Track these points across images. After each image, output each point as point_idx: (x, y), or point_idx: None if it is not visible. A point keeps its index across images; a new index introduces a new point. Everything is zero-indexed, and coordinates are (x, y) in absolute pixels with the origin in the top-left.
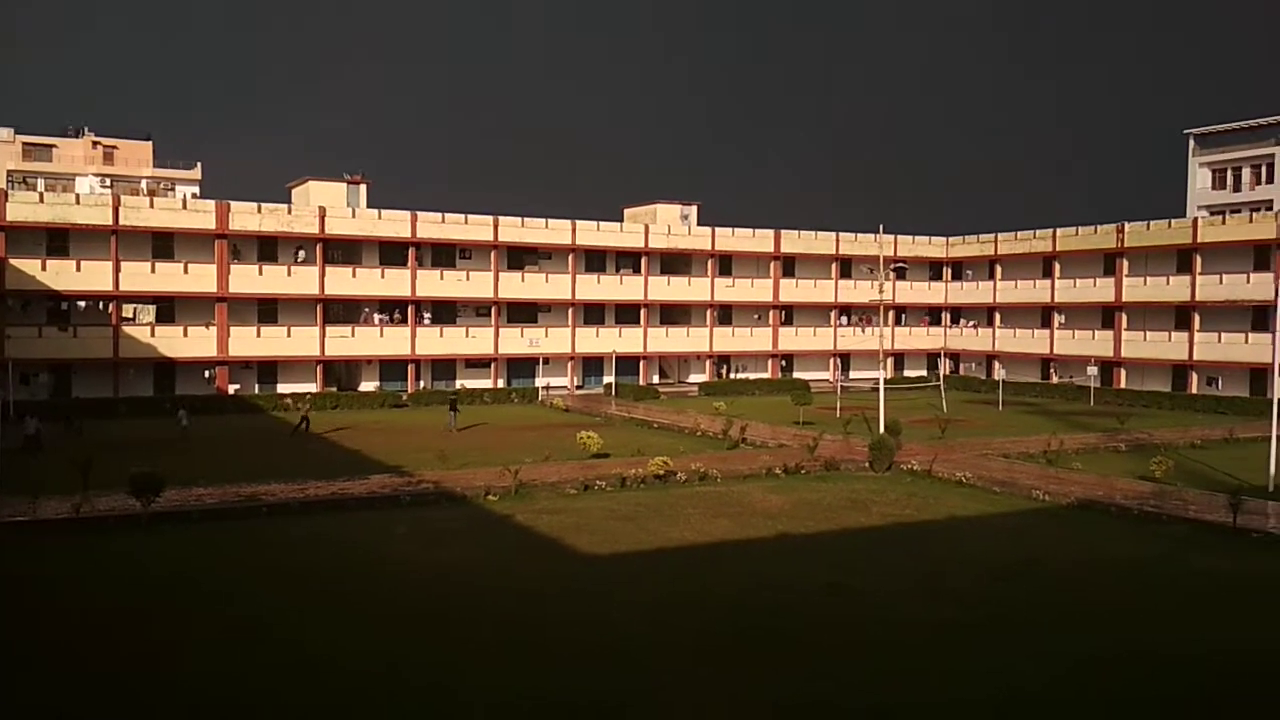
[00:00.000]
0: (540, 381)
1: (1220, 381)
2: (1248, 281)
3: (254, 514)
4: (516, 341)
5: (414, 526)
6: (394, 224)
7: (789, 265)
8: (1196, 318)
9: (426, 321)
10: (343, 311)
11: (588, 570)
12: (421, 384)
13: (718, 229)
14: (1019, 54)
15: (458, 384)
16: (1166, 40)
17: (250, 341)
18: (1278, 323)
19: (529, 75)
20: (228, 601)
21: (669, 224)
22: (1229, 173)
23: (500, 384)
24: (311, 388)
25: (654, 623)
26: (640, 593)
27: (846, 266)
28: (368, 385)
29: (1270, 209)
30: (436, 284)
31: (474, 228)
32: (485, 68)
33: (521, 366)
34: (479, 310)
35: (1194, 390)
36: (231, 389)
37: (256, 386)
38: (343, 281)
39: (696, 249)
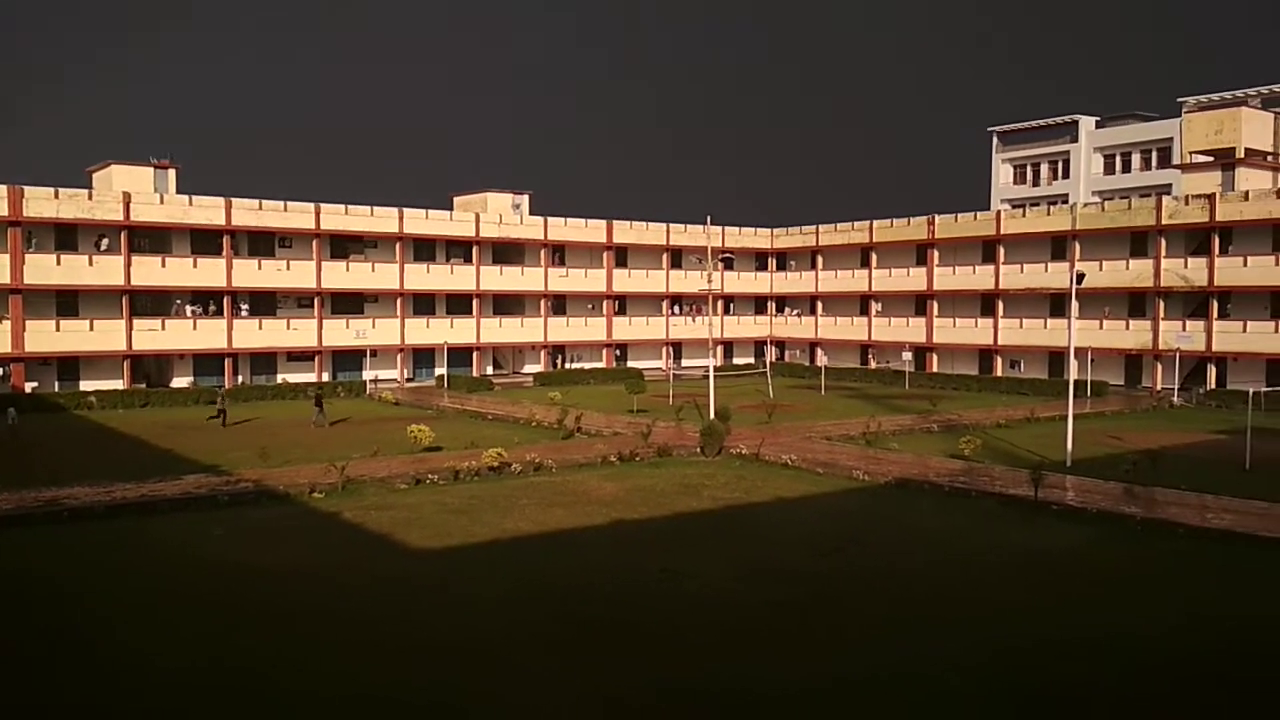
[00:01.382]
0: (368, 374)
1: (1022, 364)
2: (1046, 270)
3: (55, 519)
4: (342, 333)
5: (234, 527)
6: (206, 210)
7: (621, 255)
8: (1000, 305)
9: (244, 313)
10: (151, 303)
11: (422, 566)
12: (240, 379)
13: (550, 219)
14: (836, 50)
15: (279, 378)
16: (975, 39)
17: (49, 336)
18: (1072, 309)
19: (352, 59)
20: (31, 610)
21: (500, 213)
22: (1029, 168)
23: (325, 378)
24: (118, 384)
25: (492, 616)
26: (477, 586)
27: (677, 257)
28: (180, 381)
29: (1066, 202)
30: (254, 274)
31: (294, 215)
32: (312, 52)
33: (348, 359)
34: (301, 301)
35: (999, 373)
36: (29, 387)
37: (57, 384)
38: (151, 271)
39: (529, 238)
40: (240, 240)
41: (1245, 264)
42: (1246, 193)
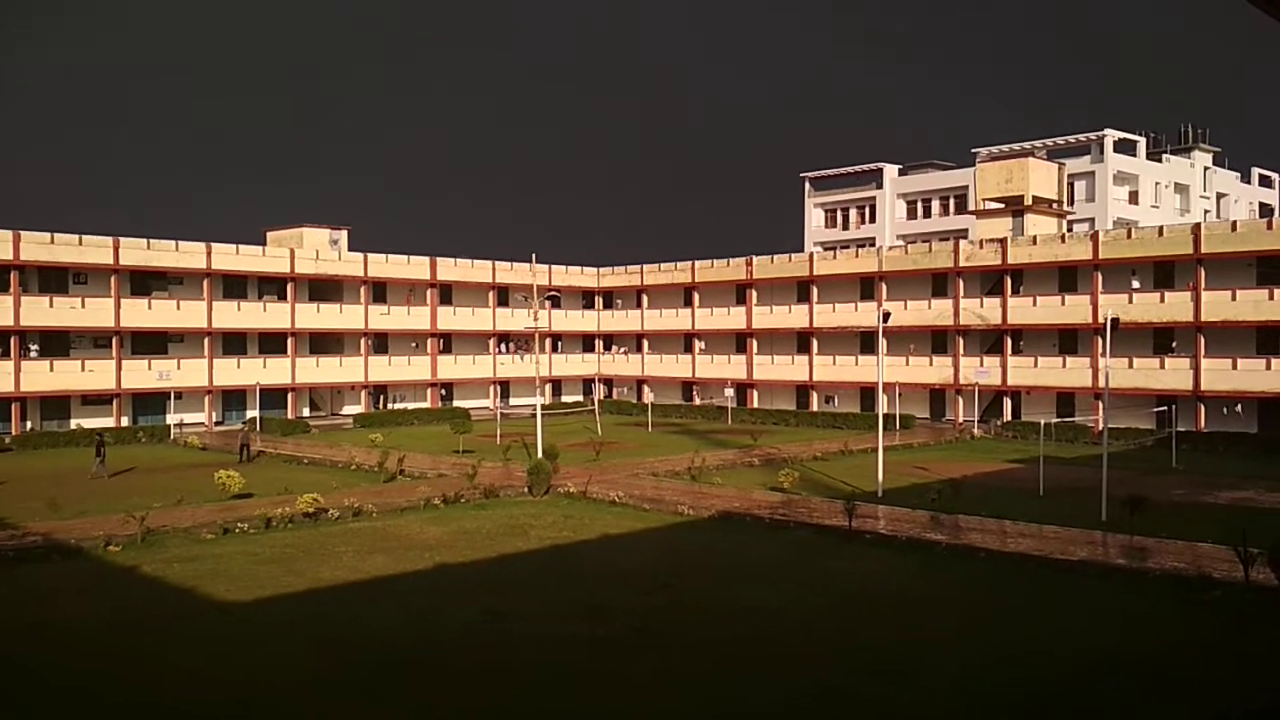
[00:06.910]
0: (173, 418)
1: (836, 399)
2: (855, 309)
3: None
4: (144, 374)
5: (17, 585)
6: None
7: (446, 293)
8: (815, 342)
9: (33, 354)
10: None
11: (228, 619)
12: (29, 424)
13: (370, 255)
14: (668, 97)
15: (73, 424)
16: (796, 87)
17: None
18: (880, 346)
19: (166, 85)
20: None
21: (317, 249)
22: (839, 212)
23: (125, 422)
24: None
25: (300, 669)
26: (288, 638)
27: (504, 295)
28: None
29: (873, 245)
30: (45, 312)
31: (90, 250)
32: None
33: (150, 402)
34: (98, 340)
35: (814, 408)
36: None
37: None
38: None
39: (348, 275)
40: (30, 276)
41: (1035, 304)
42: (1035, 237)
